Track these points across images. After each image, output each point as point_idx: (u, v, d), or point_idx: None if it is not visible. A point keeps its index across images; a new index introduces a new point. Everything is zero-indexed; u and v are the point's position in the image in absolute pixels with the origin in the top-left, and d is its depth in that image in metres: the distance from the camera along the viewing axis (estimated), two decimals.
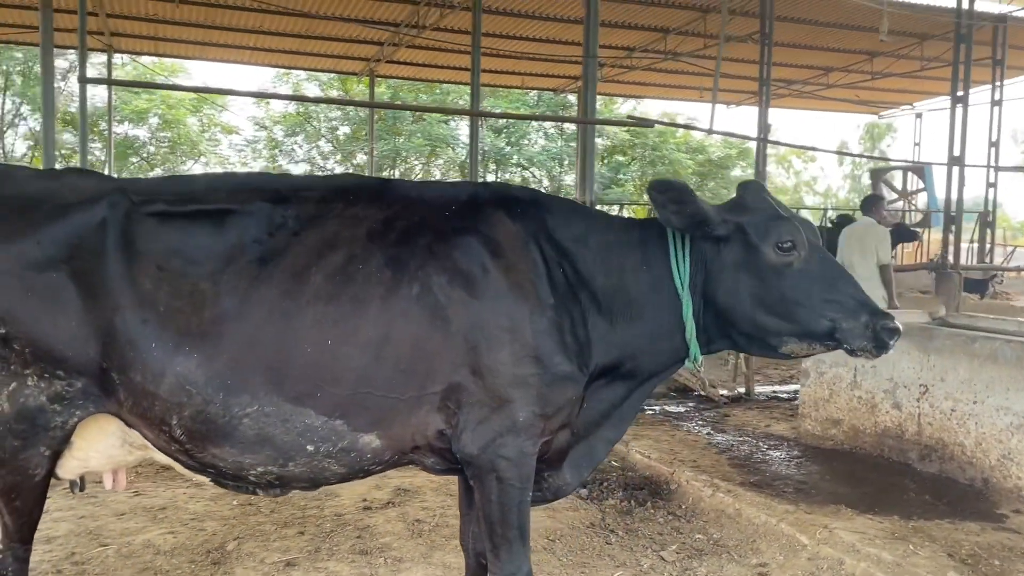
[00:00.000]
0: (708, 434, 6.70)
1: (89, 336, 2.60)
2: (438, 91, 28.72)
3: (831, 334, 2.87)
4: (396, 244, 2.83)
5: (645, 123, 9.74)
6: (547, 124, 34.08)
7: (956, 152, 12.69)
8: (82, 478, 2.98)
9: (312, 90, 32.08)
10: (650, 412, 7.47)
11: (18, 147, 28.62)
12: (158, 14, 17.37)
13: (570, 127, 34.76)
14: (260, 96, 26.34)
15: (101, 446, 2.82)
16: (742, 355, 8.16)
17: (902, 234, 18.06)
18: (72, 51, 22.67)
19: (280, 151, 32.99)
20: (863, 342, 2.85)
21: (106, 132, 28.50)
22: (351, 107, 31.85)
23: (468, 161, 32.14)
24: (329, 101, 29.57)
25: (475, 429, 2.82)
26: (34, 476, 2.72)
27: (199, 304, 2.64)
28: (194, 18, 17.74)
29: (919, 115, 23.63)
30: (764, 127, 16.93)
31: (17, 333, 2.57)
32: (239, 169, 33.25)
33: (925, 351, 5.49)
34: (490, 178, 33.99)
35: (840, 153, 46.23)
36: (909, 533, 4.45)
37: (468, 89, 23.25)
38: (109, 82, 16.92)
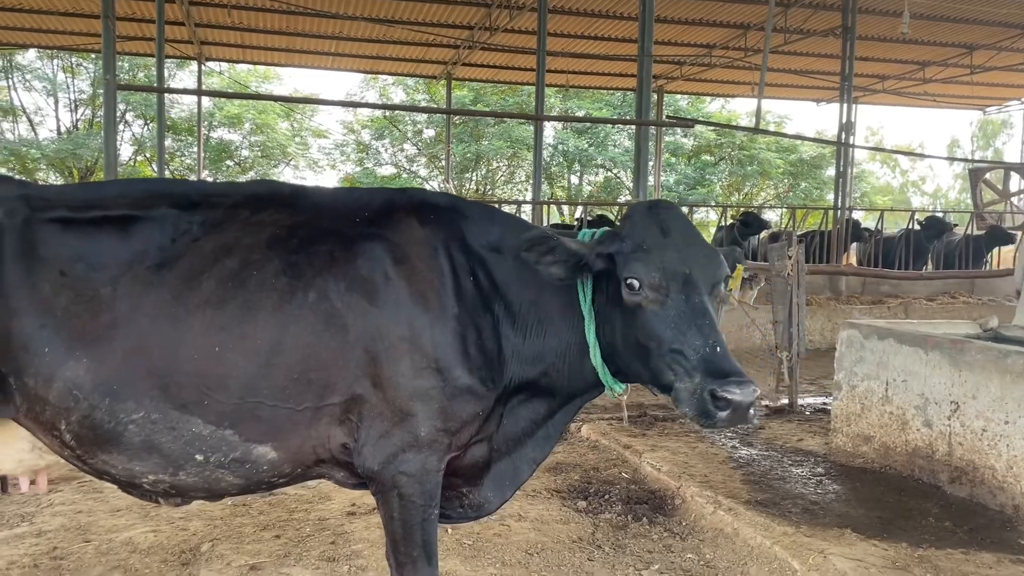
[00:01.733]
0: (732, 447, 6.36)
1: None
2: (522, 93, 28.72)
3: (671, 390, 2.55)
4: (296, 250, 2.75)
5: (685, 123, 9.32)
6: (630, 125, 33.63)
7: None
8: (3, 480, 3.02)
9: (398, 94, 32.69)
10: (680, 423, 7.17)
11: (124, 151, 30.14)
12: (244, 23, 17.99)
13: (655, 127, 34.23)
14: (319, 103, 27.20)
15: (12, 451, 2.84)
16: (784, 364, 7.74)
17: (997, 237, 16.94)
18: (171, 60, 23.81)
19: (367, 154, 33.69)
20: (687, 407, 2.49)
21: (203, 138, 29.92)
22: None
23: (551, 162, 32.08)
24: (387, 107, 29.99)
25: (376, 443, 2.71)
26: None
27: (96, 310, 2.61)
28: (278, 26, 18.29)
29: None
30: (847, 125, 16.20)
31: None
32: (328, 172, 34.16)
33: (956, 366, 5.04)
34: (573, 180, 33.75)
35: (912, 154, 43.71)
36: (913, 563, 4.07)
37: (550, 92, 23.15)
38: (155, 89, 17.51)
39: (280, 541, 4.53)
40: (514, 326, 2.83)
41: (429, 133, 33.48)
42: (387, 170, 33.86)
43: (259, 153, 31.13)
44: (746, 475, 5.59)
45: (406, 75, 26.39)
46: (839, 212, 16.19)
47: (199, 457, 2.66)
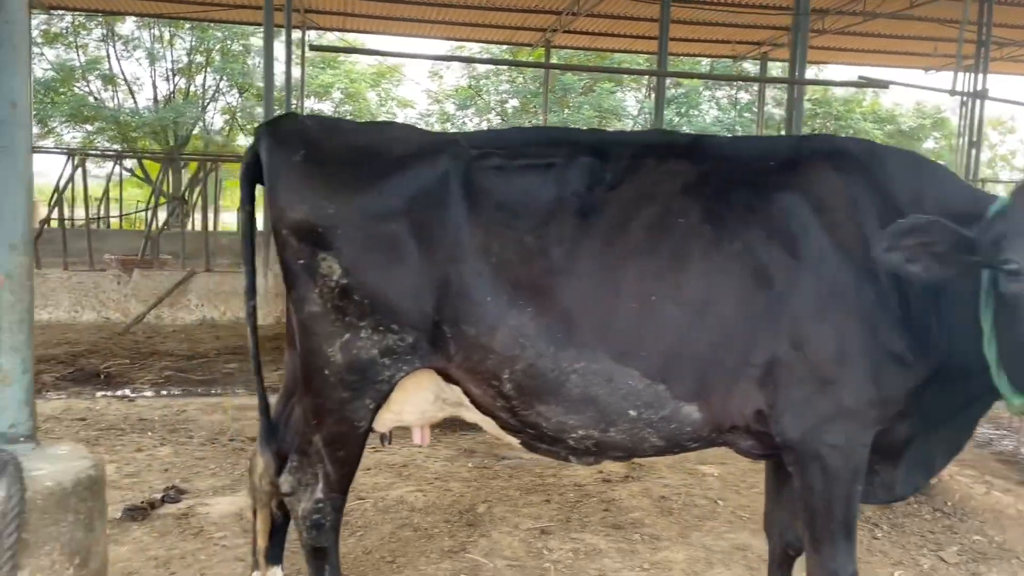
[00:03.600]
0: None
1: (425, 288, 2.58)
2: (609, 60, 28.28)
3: None
4: (713, 199, 2.63)
5: (878, 84, 8.91)
6: (720, 94, 32.92)
7: None
8: (390, 432, 3.00)
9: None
10: None
11: (216, 120, 30.60)
12: None
13: (744, 97, 33.44)
14: (441, 59, 26.93)
15: (416, 400, 2.81)
16: None
17: None
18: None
19: (452, 124, 33.64)
20: None
21: (296, 106, 30.17)
22: (520, 80, 31.98)
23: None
24: (506, 63, 29.59)
25: (797, 411, 2.57)
26: (358, 428, 2.74)
27: (527, 257, 2.57)
28: None
29: None
30: (982, 92, 15.51)
31: (358, 284, 2.59)
32: None
33: None
34: None
35: None
36: None
37: (640, 60, 22.55)
38: (335, 50, 17.59)
39: (552, 506, 4.49)
40: (937, 295, 2.62)
41: (514, 103, 33.24)
42: None
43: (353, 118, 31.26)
44: (996, 455, 5.38)
45: (503, 43, 26.11)
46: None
47: (632, 413, 2.57)
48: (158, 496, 4.57)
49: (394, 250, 2.58)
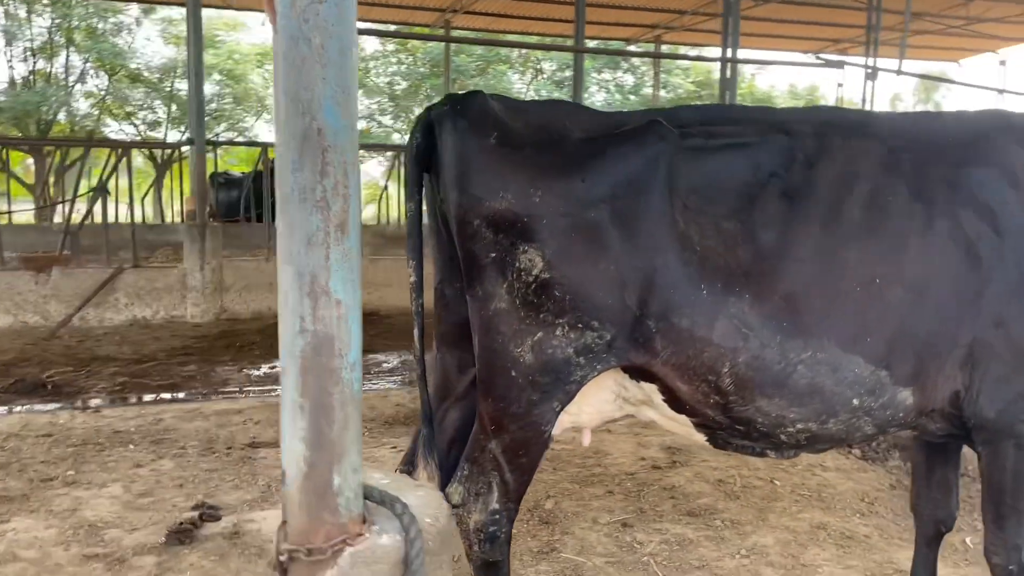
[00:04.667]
0: None
1: (628, 281, 2.42)
2: (500, 53, 28.27)
3: None
4: (913, 176, 2.59)
5: (833, 64, 9.10)
6: (607, 77, 33.47)
7: None
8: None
9: (372, 44, 31.74)
10: None
11: (82, 105, 28.49)
12: None
13: (628, 81, 34.20)
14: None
15: (595, 401, 2.66)
16: None
17: None
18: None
19: None
20: None
21: (168, 90, 28.48)
22: (410, 62, 31.46)
23: None
24: (419, 37, 28.85)
25: (994, 390, 2.57)
26: (544, 432, 2.56)
27: (738, 242, 2.45)
28: None
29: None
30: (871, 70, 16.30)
31: (560, 278, 2.41)
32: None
33: None
34: None
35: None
36: None
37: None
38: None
39: (618, 497, 4.42)
40: None
41: (403, 86, 32.66)
42: (359, 124, 32.95)
43: (231, 103, 29.83)
44: None
45: (399, 23, 25.56)
46: None
47: (855, 402, 2.51)
48: (194, 514, 4.18)
49: (599, 240, 2.41)
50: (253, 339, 8.82)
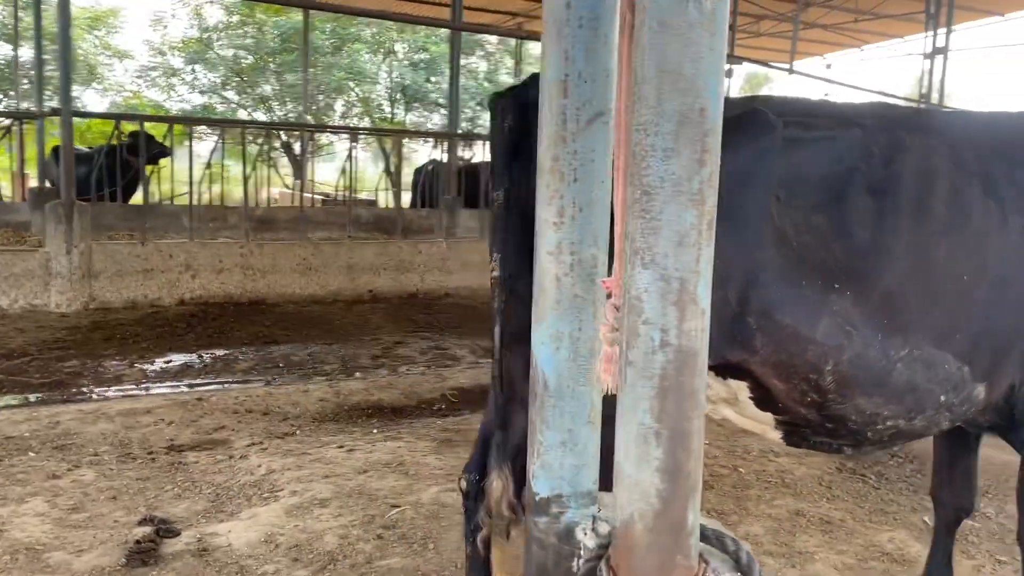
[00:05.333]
0: None
1: (731, 276, 2.33)
2: (367, 23, 27.40)
3: None
4: (982, 174, 2.61)
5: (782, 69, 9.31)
6: (463, 62, 33.31)
7: None
8: None
9: (215, 13, 29.97)
10: None
11: None
12: None
13: (483, 67, 34.23)
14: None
15: None
16: None
17: None
18: None
19: (180, 79, 30.67)
20: None
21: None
22: (256, 36, 29.94)
23: (384, 98, 31.00)
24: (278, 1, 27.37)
25: None
26: None
27: (832, 236, 2.40)
28: None
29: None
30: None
31: None
32: (132, 96, 30.84)
33: None
34: (411, 118, 33.02)
35: None
36: None
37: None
38: None
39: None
40: None
41: (250, 60, 31.03)
42: (199, 98, 31.08)
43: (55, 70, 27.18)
44: None
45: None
46: None
47: (942, 398, 2.53)
48: (147, 530, 3.74)
49: (719, 234, 2.29)
50: (135, 330, 8.06)
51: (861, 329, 2.39)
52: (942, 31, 14.68)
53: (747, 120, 2.41)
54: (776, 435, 2.67)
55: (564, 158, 1.27)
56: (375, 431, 5.50)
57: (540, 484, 1.34)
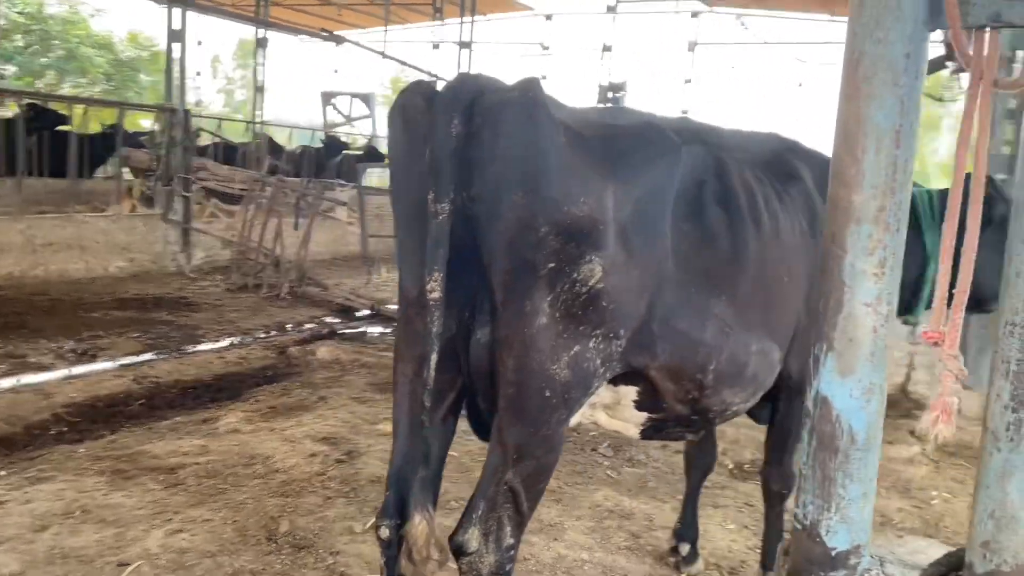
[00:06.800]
0: None
1: (645, 287, 2.39)
2: None
3: None
4: (775, 186, 2.94)
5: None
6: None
7: None
8: None
9: None
10: None
11: None
12: None
13: None
14: None
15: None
16: None
17: (373, 156, 19.89)
18: None
19: None
20: None
21: None
22: None
23: None
24: None
25: (796, 356, 3.03)
26: (559, 452, 2.40)
27: (703, 246, 2.55)
28: None
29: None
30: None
31: (611, 287, 2.26)
32: None
33: None
34: None
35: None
36: None
37: None
38: None
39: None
40: None
41: None
42: None
43: None
44: None
45: None
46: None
47: (767, 381, 2.88)
48: None
49: (639, 246, 2.33)
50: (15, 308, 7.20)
51: (734, 328, 2.67)
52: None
53: (666, 136, 2.49)
54: (637, 431, 2.83)
55: (891, 209, 1.25)
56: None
57: (839, 538, 1.31)
